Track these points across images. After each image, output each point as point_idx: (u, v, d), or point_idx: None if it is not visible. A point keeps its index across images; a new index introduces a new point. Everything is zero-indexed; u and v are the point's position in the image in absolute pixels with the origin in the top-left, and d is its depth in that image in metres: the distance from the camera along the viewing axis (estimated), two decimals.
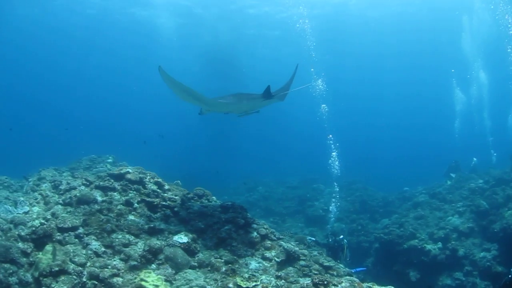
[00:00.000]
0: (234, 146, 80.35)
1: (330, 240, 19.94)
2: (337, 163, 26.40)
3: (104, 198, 14.03)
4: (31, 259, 11.30)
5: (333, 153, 26.43)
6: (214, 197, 16.36)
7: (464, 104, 48.67)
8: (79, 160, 20.29)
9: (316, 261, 13.94)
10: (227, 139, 79.02)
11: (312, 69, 30.44)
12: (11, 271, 10.72)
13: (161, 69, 12.82)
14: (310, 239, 18.67)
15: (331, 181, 30.55)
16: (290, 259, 13.37)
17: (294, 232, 20.45)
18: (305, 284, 10.57)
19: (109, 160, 20.15)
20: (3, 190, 17.29)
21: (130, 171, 15.41)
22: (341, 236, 19.96)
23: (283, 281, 11.71)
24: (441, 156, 45.92)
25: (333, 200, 28.42)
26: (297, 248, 13.93)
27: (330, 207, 28.51)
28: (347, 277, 11.64)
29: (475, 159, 30.62)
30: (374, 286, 10.73)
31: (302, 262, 13.38)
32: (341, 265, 14.93)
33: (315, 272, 12.94)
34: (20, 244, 11.61)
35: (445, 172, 29.89)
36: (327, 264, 14.06)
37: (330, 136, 26.94)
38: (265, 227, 14.67)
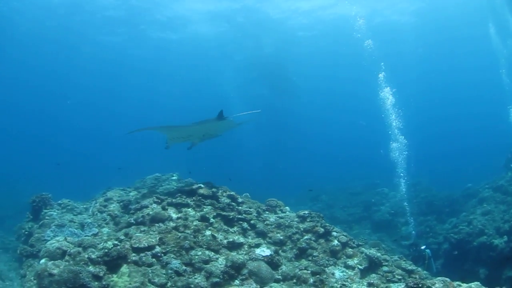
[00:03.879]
0: (289, 155, 79.93)
1: (412, 250, 19.53)
2: (399, 165, 25.85)
3: (179, 215, 13.64)
4: (103, 283, 10.84)
5: (396, 155, 25.86)
6: (287, 207, 15.91)
7: None
8: (143, 179, 20.08)
9: (399, 265, 13.47)
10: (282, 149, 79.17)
11: (380, 75, 29.72)
12: None
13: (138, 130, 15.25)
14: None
15: (394, 184, 29.99)
16: (372, 265, 12.93)
17: (365, 239, 19.96)
18: None
19: (174, 178, 19.86)
20: (67, 213, 17.20)
21: (202, 186, 15.08)
22: (423, 247, 19.44)
23: None
24: (498, 146, 44.70)
25: (399, 203, 27.93)
26: (379, 254, 13.45)
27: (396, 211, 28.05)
28: (439, 277, 11.11)
29: None
30: (462, 285, 10.24)
31: (385, 268, 12.94)
32: (420, 269, 14.46)
33: (399, 277, 12.49)
34: (91, 268, 11.17)
35: (504, 163, 28.99)
36: (410, 268, 13.65)
37: (382, 151, 26.58)
38: (345, 234, 14.28)
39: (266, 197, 16.33)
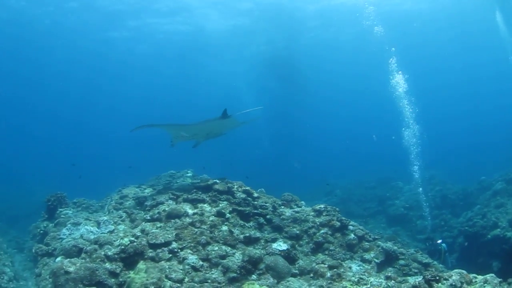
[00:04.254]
0: (301, 149, 79.68)
1: (428, 244, 19.44)
2: (414, 158, 25.72)
3: (195, 211, 13.63)
4: (120, 280, 10.91)
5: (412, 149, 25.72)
6: (302, 202, 15.86)
7: None
8: (158, 176, 20.09)
9: (415, 259, 13.42)
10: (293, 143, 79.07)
11: (391, 60, 29.45)
12: None
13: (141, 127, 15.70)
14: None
15: (409, 178, 29.90)
16: (389, 259, 12.89)
17: (380, 233, 19.90)
18: (417, 282, 9.93)
19: (189, 174, 19.86)
20: (82, 211, 17.31)
21: (218, 181, 15.10)
22: (439, 241, 19.33)
23: (392, 281, 11.11)
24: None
25: (414, 197, 27.85)
26: (395, 247, 13.41)
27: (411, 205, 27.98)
28: (456, 270, 11.05)
29: None
30: (478, 277, 10.19)
31: (401, 262, 12.92)
32: (435, 262, 14.41)
33: (415, 271, 12.46)
34: (108, 265, 11.26)
35: None
36: (426, 261, 13.58)
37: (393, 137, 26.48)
38: (361, 228, 14.24)
39: (279, 192, 16.29)
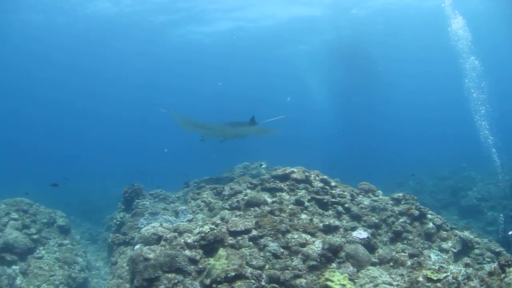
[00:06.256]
0: (371, 139, 78.99)
1: (500, 236, 19.10)
2: (486, 146, 25.21)
3: (274, 199, 13.73)
4: (200, 266, 11.04)
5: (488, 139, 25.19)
6: (379, 191, 15.71)
7: None
8: (232, 168, 20.33)
9: (488, 248, 13.11)
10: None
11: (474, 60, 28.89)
12: (176, 281, 10.57)
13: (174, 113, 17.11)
14: None
15: (481, 168, 29.39)
16: (465, 248, 12.64)
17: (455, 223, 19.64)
18: (492, 268, 9.78)
19: (263, 166, 19.95)
20: (160, 202, 17.63)
21: (295, 170, 15.10)
22: (511, 232, 18.96)
23: (471, 269, 11.01)
24: None
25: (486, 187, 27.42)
26: (472, 236, 13.13)
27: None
28: None
29: None
30: None
31: (476, 251, 12.66)
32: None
33: (488, 260, 12.24)
34: (187, 252, 11.41)
35: None
36: (498, 250, 13.21)
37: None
38: (439, 216, 14.01)
39: (352, 183, 16.15)
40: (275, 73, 71.64)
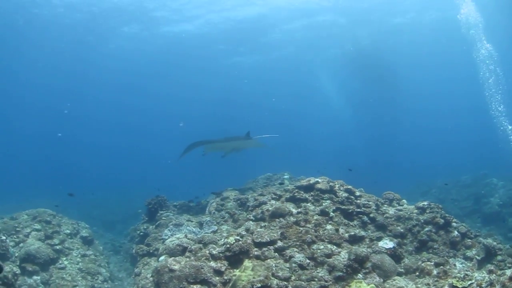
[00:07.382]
0: (392, 148, 78.76)
1: None
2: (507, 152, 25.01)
3: (299, 210, 13.71)
4: (225, 278, 11.01)
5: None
6: (404, 200, 15.63)
7: None
8: (255, 179, 20.43)
9: (510, 254, 13.01)
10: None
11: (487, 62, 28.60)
12: None
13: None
14: None
15: (503, 174, 29.18)
16: (488, 255, 12.56)
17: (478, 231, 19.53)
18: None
19: (286, 176, 20.01)
20: (183, 213, 17.63)
21: (319, 181, 15.03)
22: None
23: (494, 275, 10.89)
24: None
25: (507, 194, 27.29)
26: (495, 243, 13.04)
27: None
28: None
29: None
30: None
31: (499, 257, 12.53)
32: None
33: (509, 265, 12.14)
34: (212, 263, 11.39)
35: None
36: None
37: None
38: (463, 224, 14.00)
39: (376, 192, 16.08)
40: (294, 83, 71.21)
